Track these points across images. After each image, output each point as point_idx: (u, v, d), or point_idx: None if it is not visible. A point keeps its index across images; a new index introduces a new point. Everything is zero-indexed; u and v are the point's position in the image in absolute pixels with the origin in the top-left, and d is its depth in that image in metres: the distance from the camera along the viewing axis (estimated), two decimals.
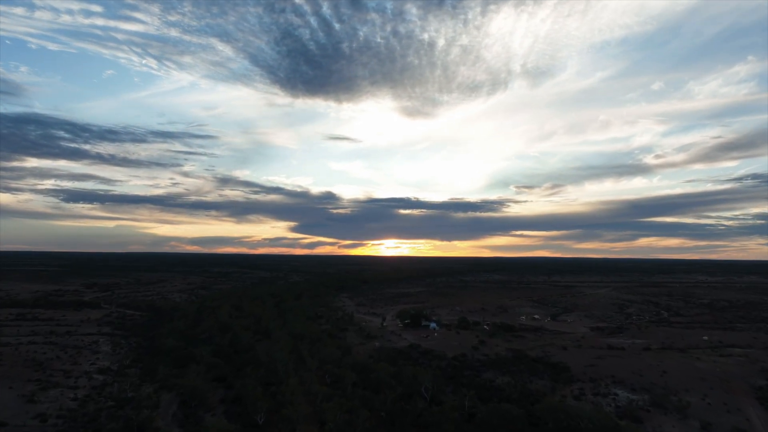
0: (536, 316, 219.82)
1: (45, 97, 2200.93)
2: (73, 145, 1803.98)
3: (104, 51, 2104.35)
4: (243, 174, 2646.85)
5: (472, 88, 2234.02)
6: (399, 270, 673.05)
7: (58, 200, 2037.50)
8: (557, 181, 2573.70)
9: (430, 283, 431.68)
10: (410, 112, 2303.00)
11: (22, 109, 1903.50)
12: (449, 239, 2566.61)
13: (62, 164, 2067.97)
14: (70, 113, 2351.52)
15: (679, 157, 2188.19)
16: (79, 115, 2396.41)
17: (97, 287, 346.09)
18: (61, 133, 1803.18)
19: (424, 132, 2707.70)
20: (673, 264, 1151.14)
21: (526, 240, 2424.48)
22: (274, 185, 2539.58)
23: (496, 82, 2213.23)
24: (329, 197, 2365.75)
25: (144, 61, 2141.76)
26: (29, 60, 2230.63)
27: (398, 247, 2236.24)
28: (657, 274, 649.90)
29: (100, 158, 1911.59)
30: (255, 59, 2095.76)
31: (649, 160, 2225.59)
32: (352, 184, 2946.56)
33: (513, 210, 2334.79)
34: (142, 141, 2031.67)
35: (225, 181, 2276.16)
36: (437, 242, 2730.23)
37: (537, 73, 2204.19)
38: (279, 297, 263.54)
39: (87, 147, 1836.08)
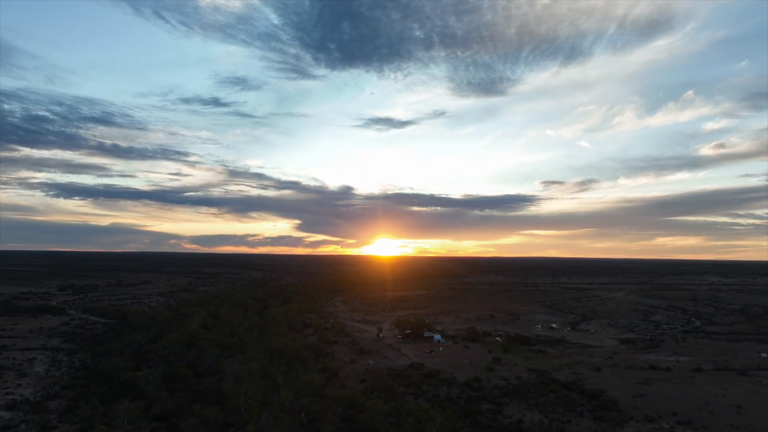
0: (554, 325, 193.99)
1: (25, 65, 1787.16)
2: (64, 130, 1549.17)
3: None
4: (255, 163, 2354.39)
5: (547, 55, 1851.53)
6: (400, 271, 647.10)
7: (49, 196, 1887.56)
8: (591, 175, 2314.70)
9: (431, 286, 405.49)
10: (462, 89, 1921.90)
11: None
12: (459, 238, 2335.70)
13: (52, 154, 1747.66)
14: (60, 87, 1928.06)
15: (743, 147, 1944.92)
16: (69, 89, 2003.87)
17: (71, 289, 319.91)
18: (49, 115, 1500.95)
19: (470, 113, 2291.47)
20: (679, 265, 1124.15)
21: (537, 239, 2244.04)
22: (289, 179, 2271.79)
23: (578, 47, 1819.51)
24: (345, 192, 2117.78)
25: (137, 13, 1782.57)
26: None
27: (404, 246, 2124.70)
28: (666, 275, 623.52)
29: (95, 147, 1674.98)
30: (284, 9, 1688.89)
31: (705, 150, 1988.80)
32: (374, 176, 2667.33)
33: (531, 209, 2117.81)
34: (143, 127, 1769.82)
35: (235, 174, 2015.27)
36: (445, 241, 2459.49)
37: (636, 33, 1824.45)
38: (265, 302, 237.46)
39: (80, 133, 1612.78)
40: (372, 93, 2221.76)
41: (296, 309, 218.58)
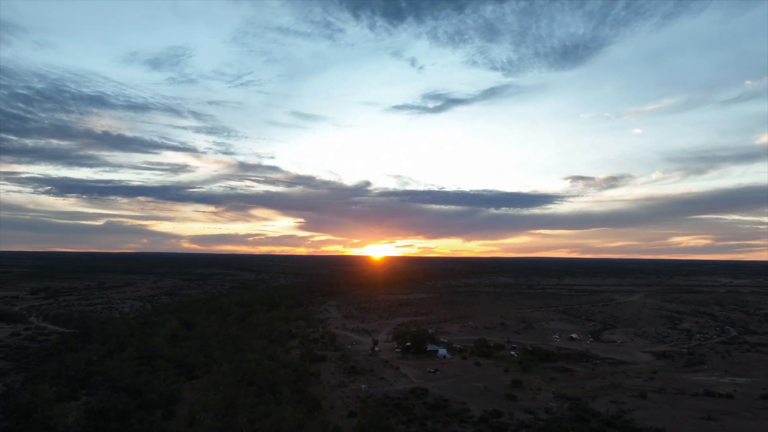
0: (574, 335, 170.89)
1: (11, 27, 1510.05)
2: (52, 114, 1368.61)
3: None
4: (267, 151, 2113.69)
5: (644, 11, 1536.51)
6: (401, 272, 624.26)
7: (38, 192, 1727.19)
8: (628, 169, 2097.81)
9: (432, 288, 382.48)
10: (524, 61, 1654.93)
11: None
12: (469, 238, 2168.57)
13: (33, 143, 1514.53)
14: (51, 55, 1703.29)
15: None
16: (60, 59, 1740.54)
17: (45, 293, 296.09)
18: (35, 96, 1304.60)
19: (525, 90, 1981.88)
20: (684, 265, 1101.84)
21: (545, 239, 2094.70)
22: (304, 173, 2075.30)
23: None
24: (360, 188, 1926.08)
25: None
26: None
27: (409, 246, 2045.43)
28: (675, 276, 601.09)
29: (87, 136, 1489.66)
30: None
31: (766, 139, 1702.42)
32: (397, 167, 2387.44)
33: (551, 207, 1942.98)
34: (144, 109, 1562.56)
35: (244, 167, 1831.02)
36: (453, 241, 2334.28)
37: None
38: (249, 307, 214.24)
39: (70, 119, 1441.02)
40: (414, 63, 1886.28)
41: (283, 316, 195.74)
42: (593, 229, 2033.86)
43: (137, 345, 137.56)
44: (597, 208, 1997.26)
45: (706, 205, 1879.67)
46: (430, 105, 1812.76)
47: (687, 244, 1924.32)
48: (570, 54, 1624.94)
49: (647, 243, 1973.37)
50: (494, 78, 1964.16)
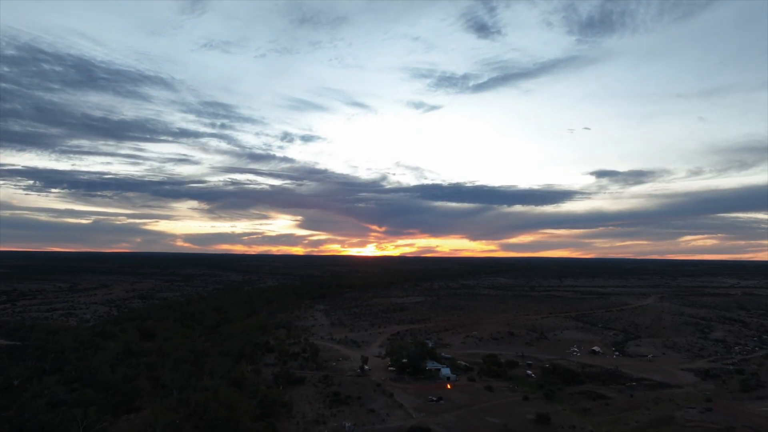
0: (596, 348, 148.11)
1: None
2: (35, 93, 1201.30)
3: None
4: (278, 131, 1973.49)
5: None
6: (395, 272, 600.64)
7: (20, 187, 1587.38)
8: (661, 163, 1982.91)
9: (428, 290, 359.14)
10: (605, 21, 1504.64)
11: None
12: (474, 236, 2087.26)
13: (14, 128, 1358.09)
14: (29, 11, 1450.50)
15: None
16: (31, 16, 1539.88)
17: (6, 296, 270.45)
18: (12, 73, 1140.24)
19: (584, 62, 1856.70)
20: (684, 265, 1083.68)
21: (550, 238, 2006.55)
22: (318, 167, 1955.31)
23: None
24: (374, 183, 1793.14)
25: None
26: None
27: (410, 245, 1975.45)
28: (679, 276, 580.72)
29: (77, 123, 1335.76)
30: None
31: None
32: (417, 157, 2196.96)
33: (567, 203, 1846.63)
34: (136, 83, 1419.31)
35: (253, 157, 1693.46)
36: (455, 239, 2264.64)
37: None
38: (225, 313, 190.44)
39: (53, 100, 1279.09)
40: (472, 23, 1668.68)
41: (261, 324, 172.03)
42: (600, 228, 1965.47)
43: (77, 363, 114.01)
44: (613, 206, 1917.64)
45: (726, 203, 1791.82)
46: (471, 83, 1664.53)
47: (695, 243, 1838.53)
48: (667, 12, 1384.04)
49: (655, 242, 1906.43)
50: (565, 45, 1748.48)
